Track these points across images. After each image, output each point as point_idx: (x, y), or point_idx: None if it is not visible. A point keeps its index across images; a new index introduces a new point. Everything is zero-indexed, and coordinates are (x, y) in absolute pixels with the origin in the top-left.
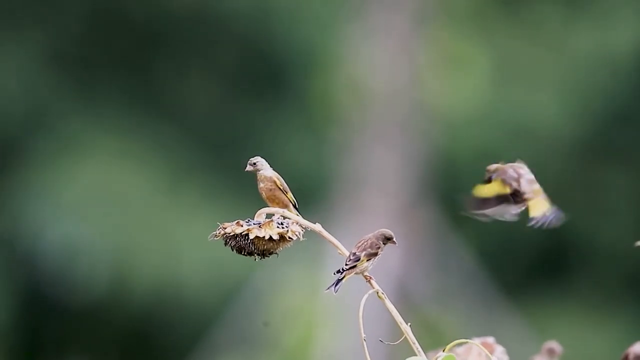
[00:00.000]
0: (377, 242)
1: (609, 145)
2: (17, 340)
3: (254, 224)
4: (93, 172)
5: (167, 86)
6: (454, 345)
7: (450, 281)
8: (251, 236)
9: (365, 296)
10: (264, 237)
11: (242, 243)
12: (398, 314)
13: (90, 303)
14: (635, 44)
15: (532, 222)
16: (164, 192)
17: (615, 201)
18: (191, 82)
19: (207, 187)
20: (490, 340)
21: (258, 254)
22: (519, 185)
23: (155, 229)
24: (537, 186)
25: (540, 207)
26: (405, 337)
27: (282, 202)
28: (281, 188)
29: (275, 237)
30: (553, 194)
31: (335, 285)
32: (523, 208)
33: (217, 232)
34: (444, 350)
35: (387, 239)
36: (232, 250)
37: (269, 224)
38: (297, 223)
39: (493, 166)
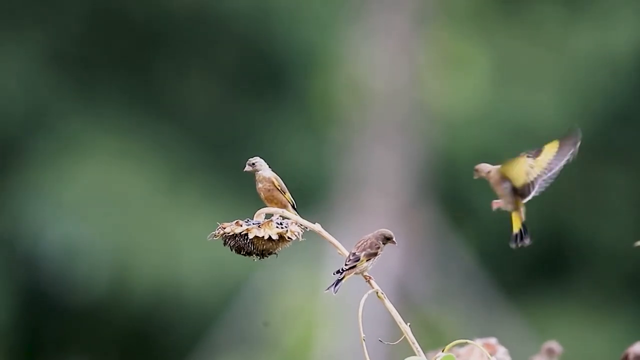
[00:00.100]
0: (377, 242)
1: (609, 145)
2: (17, 340)
3: (253, 223)
4: (93, 172)
5: (167, 86)
6: (454, 346)
7: (450, 281)
8: (250, 236)
9: (365, 296)
10: (263, 237)
11: (241, 243)
12: (397, 314)
13: (90, 303)
14: (635, 44)
15: (513, 242)
16: (164, 192)
17: (615, 201)
18: (191, 82)
19: (207, 187)
20: (493, 341)
21: (257, 254)
22: (531, 182)
23: (155, 229)
24: (517, 198)
25: (517, 224)
26: (405, 337)
27: (281, 203)
28: (279, 188)
29: (275, 237)
30: (553, 194)
31: (335, 286)
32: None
33: (216, 231)
34: (443, 351)
35: (387, 239)
36: (231, 250)
37: (268, 224)
38: (296, 223)
39: (483, 167)
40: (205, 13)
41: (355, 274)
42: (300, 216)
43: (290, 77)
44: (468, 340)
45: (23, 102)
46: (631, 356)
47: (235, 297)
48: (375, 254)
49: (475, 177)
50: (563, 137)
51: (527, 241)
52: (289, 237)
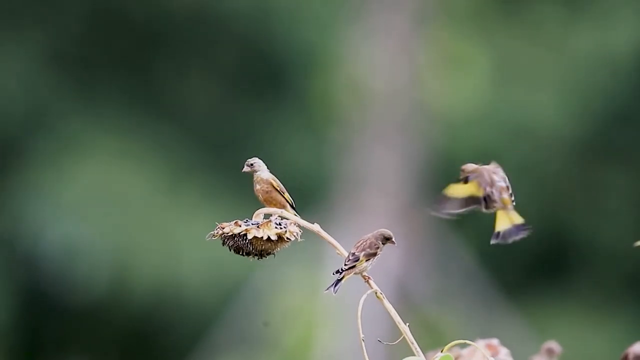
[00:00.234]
0: (376, 242)
1: (609, 145)
2: (17, 340)
3: (252, 224)
4: (93, 172)
5: (167, 86)
6: (453, 346)
7: (450, 281)
8: (249, 236)
9: (364, 296)
10: (262, 237)
11: (240, 243)
12: (396, 314)
13: (90, 303)
14: (635, 44)
15: (495, 239)
16: (164, 192)
17: (615, 201)
18: (191, 82)
19: (207, 187)
20: (495, 342)
21: (256, 255)
22: (492, 191)
23: (155, 229)
24: (506, 196)
25: (503, 221)
26: (404, 337)
27: (280, 203)
28: (278, 189)
29: (273, 237)
30: (553, 194)
31: (335, 286)
32: (492, 213)
33: (215, 232)
34: (442, 351)
35: (386, 239)
36: (230, 250)
37: (267, 224)
38: (295, 223)
39: (469, 167)
40: (205, 13)
41: (355, 274)
42: (300, 216)
43: (290, 77)
44: (467, 341)
45: (23, 102)
46: (631, 356)
47: (235, 297)
48: (374, 254)
49: (461, 177)
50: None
51: (523, 233)
52: (287, 238)
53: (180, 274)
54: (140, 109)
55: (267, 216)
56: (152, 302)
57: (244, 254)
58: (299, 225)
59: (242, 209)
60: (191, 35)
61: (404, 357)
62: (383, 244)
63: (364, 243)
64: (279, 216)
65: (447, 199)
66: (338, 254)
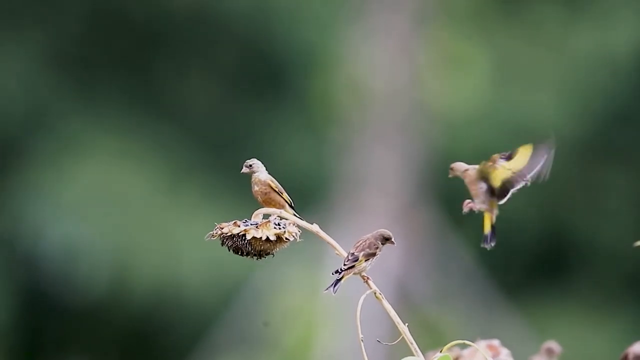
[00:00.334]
0: (376, 243)
1: (609, 145)
2: (17, 340)
3: (251, 224)
4: (93, 172)
5: (167, 86)
6: (452, 346)
7: (450, 281)
8: (248, 237)
9: (363, 297)
10: (261, 237)
11: (239, 243)
12: (395, 314)
13: (90, 303)
14: (635, 44)
15: (485, 243)
16: (164, 192)
17: (615, 201)
18: (191, 82)
19: (207, 187)
20: (495, 342)
21: (255, 255)
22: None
23: (155, 229)
24: (493, 199)
25: (487, 224)
26: (403, 337)
27: (279, 204)
28: (276, 190)
29: (272, 237)
30: (553, 194)
31: (334, 286)
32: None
33: (214, 232)
34: (441, 351)
35: (386, 239)
36: (229, 250)
37: (266, 224)
38: (294, 224)
39: (458, 167)
40: (205, 13)
41: (354, 274)
42: (300, 216)
43: (290, 77)
44: (466, 341)
45: (23, 102)
46: (631, 356)
47: (235, 297)
48: (373, 254)
49: (450, 176)
50: (537, 142)
51: (492, 243)
52: (286, 238)
53: (180, 274)
54: (140, 109)
55: (266, 216)
56: (152, 302)
57: (243, 254)
58: (298, 226)
59: (242, 209)
60: (191, 35)
61: (404, 357)
62: (382, 244)
63: (363, 243)
64: (277, 216)
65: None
66: (337, 254)
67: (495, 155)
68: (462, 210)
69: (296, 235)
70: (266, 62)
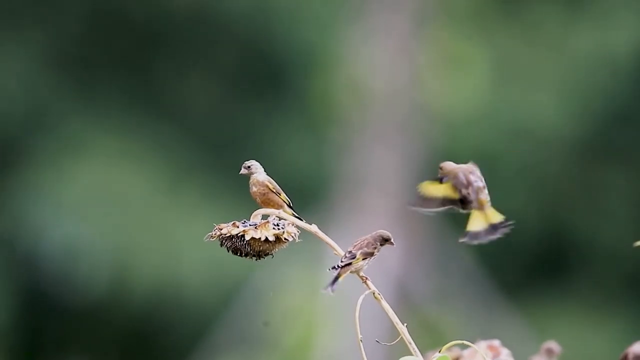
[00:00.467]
0: (374, 243)
1: (609, 145)
2: (17, 340)
3: (250, 225)
4: (93, 172)
5: (167, 86)
6: (451, 346)
7: (450, 281)
8: (247, 237)
9: (362, 297)
10: (259, 238)
11: (238, 244)
12: (394, 314)
13: (90, 303)
14: (635, 44)
15: (464, 238)
16: (164, 192)
17: (615, 201)
18: (191, 82)
19: (207, 187)
20: (496, 342)
21: (254, 255)
22: (468, 193)
23: (155, 229)
24: (483, 196)
25: (478, 221)
26: (402, 337)
27: (277, 204)
28: (274, 191)
29: (271, 238)
30: (553, 194)
31: (332, 285)
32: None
33: (213, 233)
34: (440, 351)
35: (385, 240)
36: (228, 251)
37: (264, 225)
38: (292, 224)
39: (447, 166)
40: (205, 13)
41: (351, 272)
42: (300, 216)
43: (290, 77)
44: (465, 342)
45: (23, 102)
46: (631, 356)
47: (235, 297)
48: (371, 254)
49: (440, 175)
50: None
51: (496, 235)
52: (285, 238)
53: (180, 274)
54: (140, 109)
55: (265, 217)
56: (152, 302)
57: (242, 255)
58: (296, 226)
59: (242, 209)
60: (191, 35)
61: (402, 357)
62: (381, 244)
63: (362, 243)
64: (276, 217)
65: (424, 197)
66: (335, 254)
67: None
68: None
69: (295, 235)
70: (266, 62)
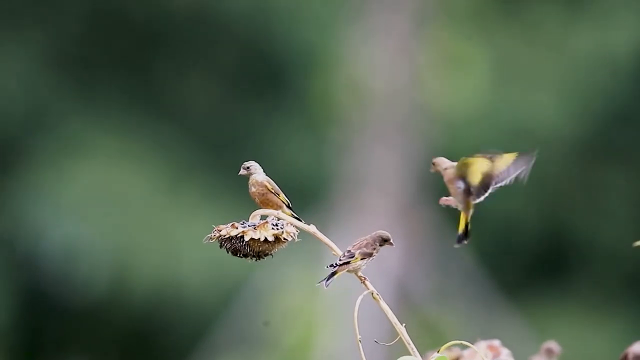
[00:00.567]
0: (373, 244)
1: (609, 145)
2: (17, 340)
3: (248, 225)
4: (93, 172)
5: (167, 86)
6: (450, 346)
7: (450, 281)
8: (246, 238)
9: (360, 297)
10: (259, 239)
11: (238, 245)
12: (393, 314)
13: (90, 303)
14: (635, 44)
15: (457, 241)
16: (164, 192)
17: (615, 201)
18: (191, 82)
19: (207, 187)
20: (496, 343)
21: (253, 256)
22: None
23: (155, 229)
24: (469, 199)
25: (462, 223)
26: (401, 337)
27: (276, 205)
28: (272, 191)
29: (270, 238)
30: (553, 194)
31: (327, 280)
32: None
33: (212, 234)
34: (438, 352)
35: (384, 241)
36: (228, 252)
37: (263, 225)
38: (291, 224)
39: (440, 161)
40: (205, 13)
41: (348, 271)
42: (300, 216)
43: (290, 77)
44: (464, 342)
45: (23, 102)
46: (631, 356)
47: (235, 297)
48: (370, 254)
49: (432, 171)
50: (522, 153)
51: (466, 242)
52: (284, 239)
53: (180, 274)
54: (140, 109)
55: (263, 217)
56: (152, 302)
57: (242, 255)
58: (295, 226)
59: (242, 209)
60: (191, 35)
61: (401, 357)
62: (380, 245)
63: (361, 243)
64: (275, 217)
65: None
66: (334, 254)
67: (482, 155)
68: (455, 208)
69: (294, 235)
70: (266, 62)
